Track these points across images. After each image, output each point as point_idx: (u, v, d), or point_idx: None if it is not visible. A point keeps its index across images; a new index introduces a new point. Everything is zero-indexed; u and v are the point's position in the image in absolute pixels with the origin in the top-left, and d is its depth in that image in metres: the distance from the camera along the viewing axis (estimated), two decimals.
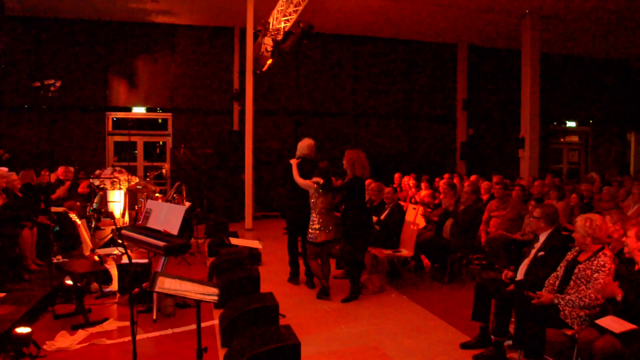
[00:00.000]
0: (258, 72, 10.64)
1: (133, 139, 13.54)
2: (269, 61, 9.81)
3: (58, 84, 5.51)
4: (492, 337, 4.33)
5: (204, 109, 13.65)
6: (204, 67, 13.63)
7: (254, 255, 7.91)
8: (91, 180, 10.27)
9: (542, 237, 4.44)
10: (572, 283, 3.88)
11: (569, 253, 4.10)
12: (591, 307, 3.71)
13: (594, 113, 17.28)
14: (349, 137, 14.84)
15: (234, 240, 5.56)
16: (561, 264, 4.09)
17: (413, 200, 9.95)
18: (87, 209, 8.93)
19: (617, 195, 8.13)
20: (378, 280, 6.46)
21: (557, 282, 4.02)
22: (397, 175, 11.56)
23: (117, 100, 13.23)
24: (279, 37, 9.10)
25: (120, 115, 13.41)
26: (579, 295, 3.74)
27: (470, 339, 4.69)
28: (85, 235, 6.11)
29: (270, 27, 10.00)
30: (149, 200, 6.53)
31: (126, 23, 13.04)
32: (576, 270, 3.89)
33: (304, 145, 6.67)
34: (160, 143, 14.07)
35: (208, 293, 2.98)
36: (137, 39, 13.21)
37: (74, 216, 5.97)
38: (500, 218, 7.51)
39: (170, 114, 13.57)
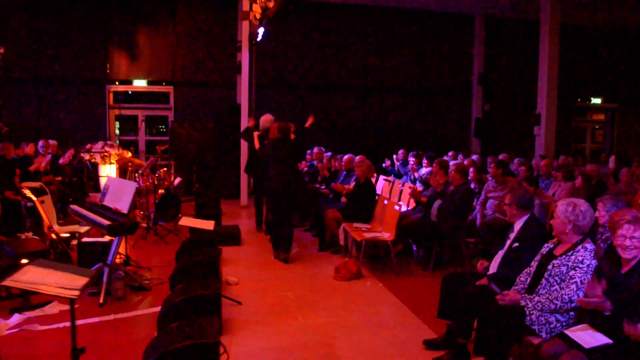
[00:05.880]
0: (254, 42, 9.97)
1: (134, 112, 13.14)
2: (261, 30, 9.14)
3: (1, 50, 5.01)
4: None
5: (207, 82, 13.10)
6: (207, 39, 13.02)
7: (232, 234, 7.44)
8: (82, 154, 9.94)
9: (517, 226, 3.75)
10: (543, 281, 3.20)
11: (545, 245, 3.41)
12: (563, 312, 3.03)
13: (622, 89, 16.01)
14: (357, 112, 14.11)
15: (185, 221, 5.03)
16: (536, 258, 3.41)
17: (412, 178, 9.26)
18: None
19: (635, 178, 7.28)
20: (354, 265, 5.85)
21: (529, 280, 3.35)
22: (401, 152, 10.83)
23: (118, 73, 12.79)
24: (270, 4, 8.42)
25: (121, 88, 12.98)
26: (550, 297, 3.07)
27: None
28: (42, 211, 5.68)
29: None
30: (108, 176, 6.06)
31: None
32: (550, 266, 3.21)
33: (267, 119, 7.65)
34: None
35: (71, 287, 2.45)
36: (138, 9, 12.67)
37: (27, 192, 5.55)
38: (498, 199, 6.78)
39: (171, 87, 13.07)
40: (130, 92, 13.33)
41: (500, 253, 3.82)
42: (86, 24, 12.37)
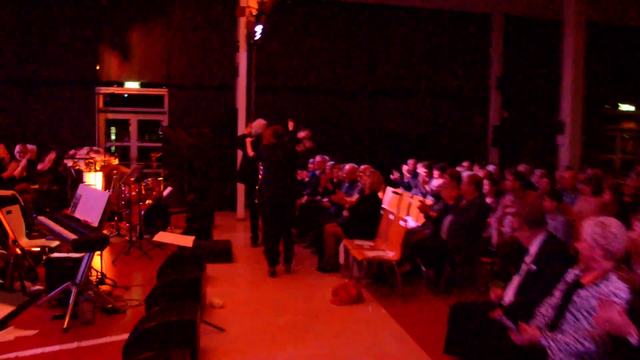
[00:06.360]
0: (252, 41, 9.72)
1: (126, 116, 12.91)
2: (259, 28, 8.88)
3: None
4: None
5: (204, 84, 12.83)
6: (203, 39, 12.74)
7: (222, 251, 7.12)
8: (65, 161, 9.70)
9: (533, 247, 3.39)
10: (568, 315, 2.83)
11: (570, 271, 3.05)
12: (592, 355, 2.66)
13: None
14: (364, 117, 13.75)
15: (161, 236, 4.72)
16: (559, 287, 3.05)
17: (423, 191, 8.91)
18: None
19: None
20: (354, 287, 5.50)
21: (552, 313, 2.99)
22: (411, 162, 10.49)
23: (109, 75, 12.55)
24: None
25: (112, 90, 12.75)
26: (576, 336, 2.70)
27: None
28: (5, 223, 5.40)
29: None
30: (80, 185, 5.79)
31: None
32: (576, 298, 2.85)
33: (259, 124, 7.58)
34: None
35: None
36: (130, 5, 12.45)
37: None
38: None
39: (166, 89, 12.82)
40: (126, 95, 13.11)
41: (516, 279, 3.47)
42: (75, 21, 12.15)
